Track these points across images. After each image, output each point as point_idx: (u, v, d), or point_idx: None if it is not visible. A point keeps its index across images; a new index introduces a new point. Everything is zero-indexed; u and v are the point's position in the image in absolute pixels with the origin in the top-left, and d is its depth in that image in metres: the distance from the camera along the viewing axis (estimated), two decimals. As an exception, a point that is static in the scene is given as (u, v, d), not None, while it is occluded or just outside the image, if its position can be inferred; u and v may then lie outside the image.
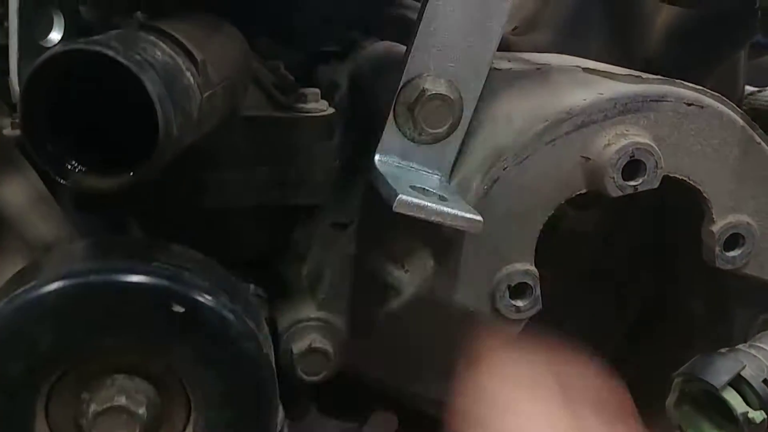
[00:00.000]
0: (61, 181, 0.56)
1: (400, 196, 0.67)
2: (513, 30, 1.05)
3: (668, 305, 1.04)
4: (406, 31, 0.78)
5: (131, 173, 0.56)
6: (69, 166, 0.56)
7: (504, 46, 0.99)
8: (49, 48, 0.85)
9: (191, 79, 0.59)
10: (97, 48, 0.52)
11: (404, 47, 0.77)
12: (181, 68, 0.58)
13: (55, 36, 0.87)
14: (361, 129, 0.91)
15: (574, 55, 0.96)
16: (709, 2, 0.91)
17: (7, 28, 0.82)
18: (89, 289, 0.57)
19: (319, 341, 0.80)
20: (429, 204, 0.67)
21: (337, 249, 0.84)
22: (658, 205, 0.91)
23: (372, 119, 0.84)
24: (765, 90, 1.23)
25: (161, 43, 0.58)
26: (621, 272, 1.05)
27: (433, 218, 0.67)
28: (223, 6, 0.94)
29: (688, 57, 1.00)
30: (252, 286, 0.78)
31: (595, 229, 1.01)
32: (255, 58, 0.80)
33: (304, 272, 0.91)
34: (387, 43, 0.92)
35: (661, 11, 1.00)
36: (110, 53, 0.52)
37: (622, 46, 1.00)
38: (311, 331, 0.81)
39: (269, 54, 0.96)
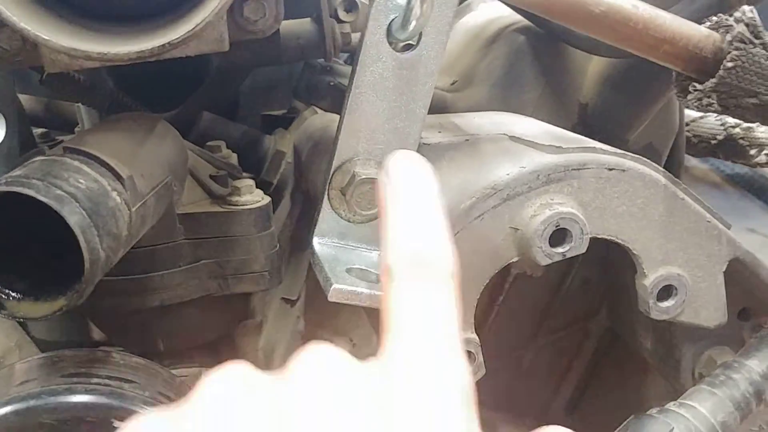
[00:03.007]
0: (-3, 314, 0.58)
1: (333, 285, 0.69)
2: (452, 84, 1.08)
3: (624, 339, 1.07)
4: (341, 99, 0.80)
5: (64, 298, 0.58)
6: (3, 296, 0.58)
7: (442, 105, 1.02)
8: (-10, 150, 0.87)
9: (117, 198, 0.61)
10: (17, 188, 0.54)
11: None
12: (107, 190, 0.60)
13: (-3, 134, 0.89)
14: (304, 202, 0.94)
15: (510, 109, 0.98)
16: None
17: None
18: (32, 413, 0.59)
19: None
20: (362, 290, 0.69)
21: (287, 324, 0.86)
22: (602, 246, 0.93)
23: (311, 196, 0.86)
24: (706, 117, 1.27)
25: (85, 167, 0.60)
26: (581, 306, 1.08)
27: (367, 303, 0.70)
28: (165, 84, 0.97)
29: (622, 99, 1.03)
30: (204, 372, 0.80)
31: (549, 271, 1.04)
32: (192, 148, 0.82)
33: (260, 344, 0.93)
34: (324, 118, 0.94)
35: (592, 59, 1.03)
36: (30, 192, 0.54)
37: (557, 95, 1.03)
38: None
39: (211, 132, 0.99)
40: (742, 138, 1.21)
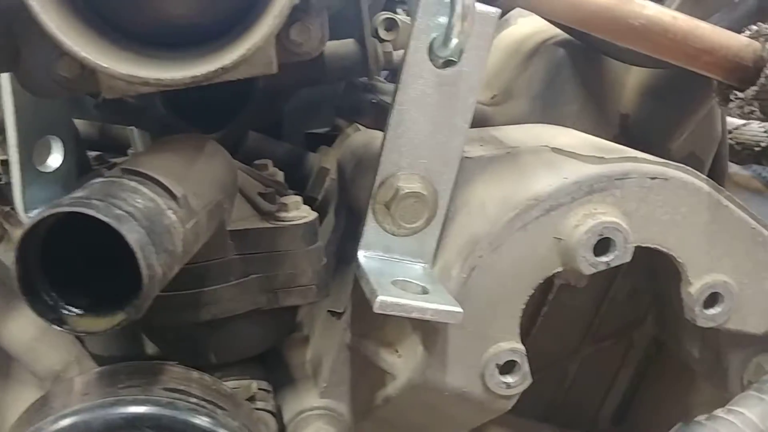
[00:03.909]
0: (59, 328, 0.60)
1: (379, 297, 0.70)
2: (492, 98, 1.09)
3: (670, 348, 1.07)
4: (383, 116, 0.82)
5: (123, 313, 0.60)
6: (65, 312, 0.61)
7: (482, 119, 1.03)
8: (48, 173, 0.91)
9: (172, 216, 0.63)
10: (80, 209, 0.57)
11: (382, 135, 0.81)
12: (162, 209, 0.63)
13: (55, 159, 0.93)
14: (348, 216, 0.96)
15: (551, 122, 0.99)
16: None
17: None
18: (98, 424, 0.61)
19: (323, 430, 0.84)
20: (408, 302, 0.71)
21: (334, 336, 0.88)
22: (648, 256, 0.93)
23: (355, 211, 0.88)
24: (749, 123, 1.26)
25: (142, 187, 0.63)
26: (627, 316, 1.07)
27: (413, 315, 0.71)
28: (212, 105, 1.00)
29: (664, 110, 1.04)
30: (255, 384, 0.82)
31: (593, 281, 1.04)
32: (241, 167, 0.85)
33: (308, 357, 0.95)
34: (366, 134, 0.96)
35: (631, 70, 1.03)
36: (91, 212, 0.57)
37: (598, 107, 1.03)
38: (315, 419, 0.85)
39: (257, 150, 1.01)
40: (786, 145, 1.20)
